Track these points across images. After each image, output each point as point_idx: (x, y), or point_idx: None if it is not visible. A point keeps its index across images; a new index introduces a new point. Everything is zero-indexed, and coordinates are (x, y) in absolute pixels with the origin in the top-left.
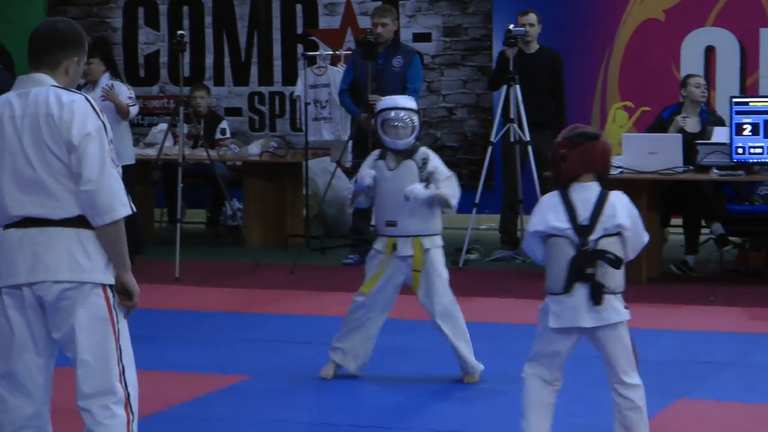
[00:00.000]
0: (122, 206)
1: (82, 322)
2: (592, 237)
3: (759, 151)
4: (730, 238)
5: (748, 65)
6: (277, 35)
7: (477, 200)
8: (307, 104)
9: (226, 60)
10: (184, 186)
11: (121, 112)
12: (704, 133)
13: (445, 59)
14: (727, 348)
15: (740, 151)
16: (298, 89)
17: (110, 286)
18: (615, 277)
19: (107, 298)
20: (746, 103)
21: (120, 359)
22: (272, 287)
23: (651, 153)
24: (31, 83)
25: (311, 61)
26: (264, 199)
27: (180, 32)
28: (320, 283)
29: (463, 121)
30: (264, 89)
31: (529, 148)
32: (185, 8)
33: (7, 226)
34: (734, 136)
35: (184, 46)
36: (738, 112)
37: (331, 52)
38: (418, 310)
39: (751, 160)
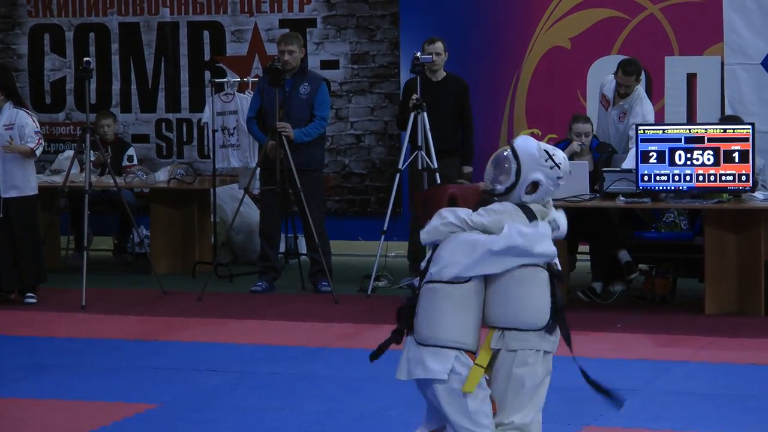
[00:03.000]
0: None
1: None
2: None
3: (665, 178)
4: (639, 265)
5: (653, 93)
6: (184, 62)
7: (385, 227)
8: (214, 131)
9: (133, 87)
10: (91, 213)
11: (26, 155)
12: (597, 172)
13: (352, 86)
14: (634, 375)
15: (646, 178)
16: (206, 116)
17: None
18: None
19: None
20: (652, 131)
21: None
22: (180, 315)
23: None
24: None
25: (218, 88)
26: (171, 226)
27: (86, 59)
28: (228, 311)
29: (371, 147)
30: (171, 116)
31: (437, 175)
32: (91, 34)
33: None
34: (640, 164)
35: (90, 72)
36: (643, 140)
37: (238, 79)
38: None
39: (656, 188)
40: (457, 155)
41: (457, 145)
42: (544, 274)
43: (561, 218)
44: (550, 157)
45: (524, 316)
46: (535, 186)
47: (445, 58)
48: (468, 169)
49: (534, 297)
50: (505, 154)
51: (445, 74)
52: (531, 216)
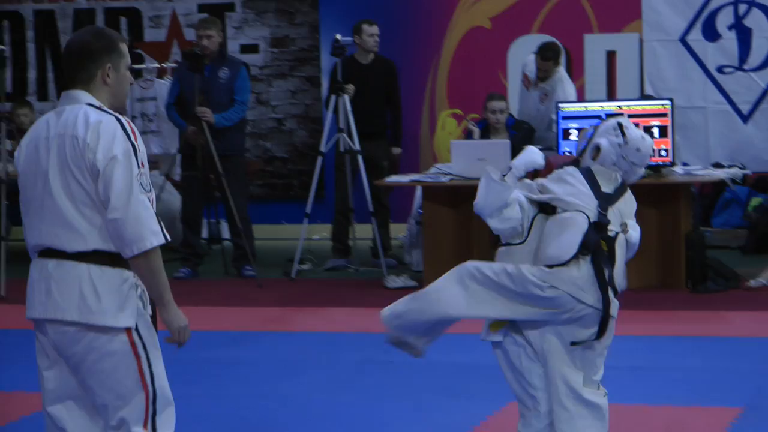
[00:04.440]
0: (152, 235)
1: (101, 366)
2: None
3: None
4: None
5: (573, 71)
6: None
7: (308, 211)
8: (133, 118)
9: (50, 75)
10: (9, 203)
11: None
12: (514, 151)
13: (273, 70)
14: None
15: (567, 155)
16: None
17: (127, 328)
18: None
19: (132, 343)
20: (573, 108)
21: (152, 401)
22: None
23: (480, 159)
24: (67, 100)
25: (137, 75)
26: None
27: (0, 47)
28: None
29: (293, 131)
30: None
31: (359, 157)
32: (5, 22)
33: (36, 254)
34: (561, 141)
35: (5, 60)
36: (565, 117)
37: (157, 65)
38: None
39: None
40: (385, 137)
41: (384, 127)
42: (582, 218)
43: (634, 232)
44: (621, 128)
45: (549, 251)
46: (597, 150)
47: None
48: (397, 150)
49: (564, 236)
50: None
51: (373, 56)
52: (592, 180)
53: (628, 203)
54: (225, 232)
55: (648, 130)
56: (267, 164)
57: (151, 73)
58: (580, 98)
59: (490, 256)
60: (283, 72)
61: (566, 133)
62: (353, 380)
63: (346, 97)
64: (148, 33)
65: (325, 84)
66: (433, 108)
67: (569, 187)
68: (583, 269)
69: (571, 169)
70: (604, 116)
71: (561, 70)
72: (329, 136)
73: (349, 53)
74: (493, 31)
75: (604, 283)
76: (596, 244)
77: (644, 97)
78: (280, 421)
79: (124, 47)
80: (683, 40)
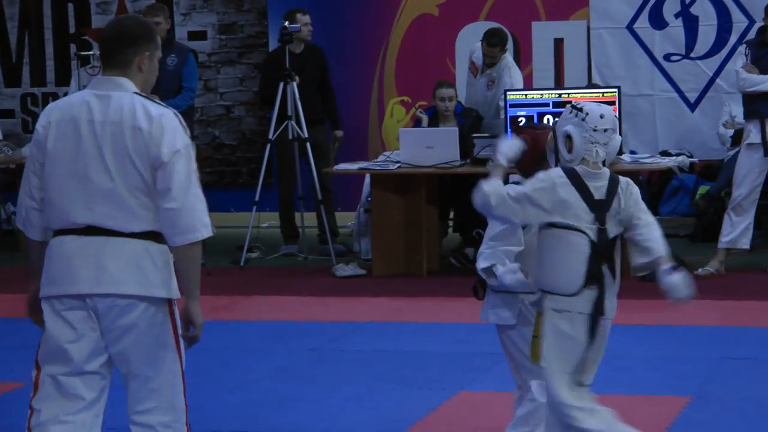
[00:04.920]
0: (203, 227)
1: (145, 337)
2: None
3: None
4: None
5: (521, 59)
6: (48, 35)
7: (257, 198)
8: None
9: None
10: None
11: None
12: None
13: (221, 57)
14: None
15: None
16: (72, 90)
17: (175, 300)
18: None
19: (171, 313)
20: (520, 96)
21: (183, 375)
22: None
23: (428, 147)
24: (110, 86)
25: (85, 61)
26: None
27: None
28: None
29: (241, 118)
30: (37, 90)
31: (307, 144)
32: None
33: (62, 232)
34: (509, 129)
35: None
36: (512, 105)
37: None
38: None
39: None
40: (324, 123)
41: (322, 113)
42: (581, 241)
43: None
44: (575, 108)
45: (551, 282)
46: (569, 138)
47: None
48: (340, 133)
49: (564, 264)
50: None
51: (303, 45)
52: (579, 184)
53: (627, 198)
54: None
55: None
56: (216, 151)
57: (99, 60)
58: (528, 86)
59: (438, 244)
60: (231, 59)
61: (514, 121)
62: (303, 368)
63: (294, 84)
64: (95, 19)
65: None
66: (382, 96)
67: (559, 202)
68: (587, 294)
69: (556, 173)
70: (550, 103)
71: (508, 57)
72: (278, 122)
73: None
74: (441, 18)
75: (601, 300)
76: (600, 274)
77: (592, 85)
78: (228, 409)
79: (159, 39)
80: (630, 28)
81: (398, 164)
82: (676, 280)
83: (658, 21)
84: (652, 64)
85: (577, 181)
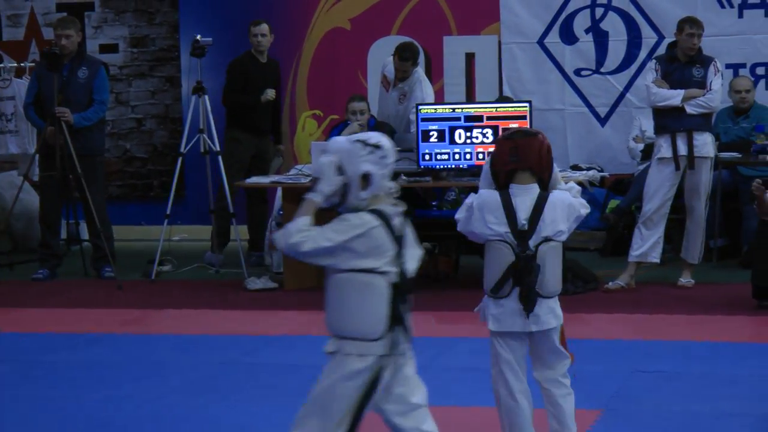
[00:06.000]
0: None
1: None
2: (532, 242)
3: (445, 157)
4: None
5: (433, 73)
6: None
7: (168, 211)
8: None
9: None
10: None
11: None
12: None
13: (132, 70)
14: (419, 352)
15: (427, 157)
16: None
17: None
18: (549, 284)
19: None
20: (431, 110)
21: None
22: None
23: None
24: None
25: None
26: None
27: None
28: (9, 299)
29: (153, 131)
30: None
31: (219, 158)
32: None
33: None
34: (420, 143)
35: None
36: (424, 119)
37: (15, 64)
38: None
39: (437, 166)
40: (269, 134)
41: (269, 125)
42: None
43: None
44: (369, 144)
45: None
46: (366, 178)
47: (271, 39)
48: (283, 147)
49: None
50: (323, 161)
51: (267, 56)
52: (389, 225)
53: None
54: (84, 232)
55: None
56: (126, 164)
57: (10, 72)
58: (439, 100)
59: None
60: (142, 72)
61: (425, 135)
62: (214, 382)
63: (206, 98)
64: (6, 32)
65: (185, 84)
66: (294, 109)
67: (374, 246)
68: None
69: (369, 217)
70: (462, 118)
71: (419, 71)
72: (189, 136)
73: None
74: (353, 32)
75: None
76: (402, 314)
77: (502, 99)
78: (137, 423)
79: None
80: (541, 43)
81: (310, 178)
82: None
83: (568, 36)
84: (562, 78)
85: (387, 222)
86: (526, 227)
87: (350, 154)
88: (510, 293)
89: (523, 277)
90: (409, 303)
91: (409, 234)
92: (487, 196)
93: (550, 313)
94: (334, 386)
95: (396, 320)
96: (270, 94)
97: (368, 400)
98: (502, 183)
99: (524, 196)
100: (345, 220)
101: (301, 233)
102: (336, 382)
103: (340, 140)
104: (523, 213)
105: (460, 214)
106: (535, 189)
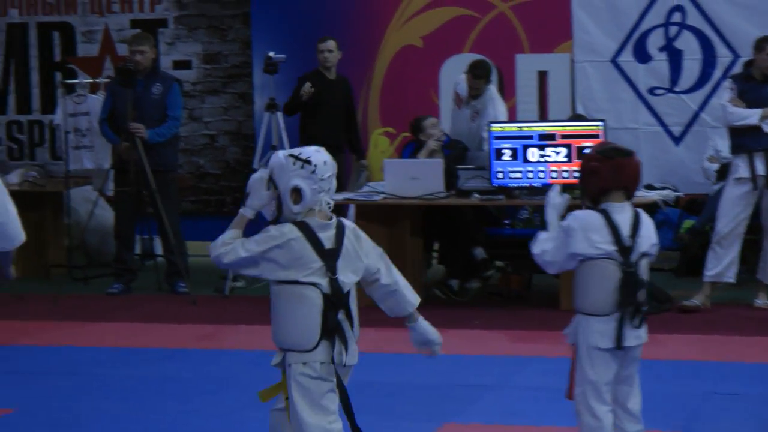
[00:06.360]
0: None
1: None
2: (633, 258)
3: (518, 175)
4: (494, 262)
5: (505, 91)
6: (34, 63)
7: None
8: (66, 133)
9: None
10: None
11: None
12: (449, 169)
13: (205, 86)
14: (491, 371)
15: (500, 175)
16: (57, 118)
17: None
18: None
19: None
20: (505, 129)
21: None
22: (35, 318)
23: (413, 178)
24: None
25: (70, 89)
26: (24, 228)
27: None
28: (84, 313)
29: (225, 147)
30: (22, 118)
31: None
32: None
33: None
34: (493, 161)
35: None
36: (497, 137)
37: (89, 80)
38: None
39: (510, 185)
40: (344, 151)
41: (344, 141)
42: (314, 294)
43: None
44: (300, 159)
45: None
46: (298, 193)
47: (339, 56)
48: (366, 162)
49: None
50: (254, 176)
51: (335, 73)
52: (311, 237)
53: (358, 245)
54: (158, 248)
55: (580, 151)
56: (199, 180)
57: (84, 88)
58: (512, 118)
59: (422, 275)
60: (215, 88)
61: (498, 153)
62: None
63: (279, 114)
64: (80, 48)
65: (257, 101)
66: (366, 126)
67: (294, 258)
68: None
69: (288, 228)
70: (535, 136)
71: (492, 89)
72: (263, 152)
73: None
74: (425, 49)
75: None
76: (336, 324)
77: (575, 117)
78: None
79: None
80: (614, 62)
81: (383, 195)
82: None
83: (642, 55)
84: (636, 97)
85: (309, 234)
86: (629, 244)
87: (282, 169)
88: (617, 310)
89: (631, 293)
90: (352, 314)
91: (353, 246)
92: (587, 216)
93: (643, 328)
94: (299, 401)
95: (330, 331)
96: (306, 88)
97: (349, 404)
98: (595, 200)
99: (622, 214)
100: (265, 231)
101: (225, 245)
102: (296, 396)
103: (276, 155)
104: (625, 230)
105: (545, 245)
106: (628, 206)
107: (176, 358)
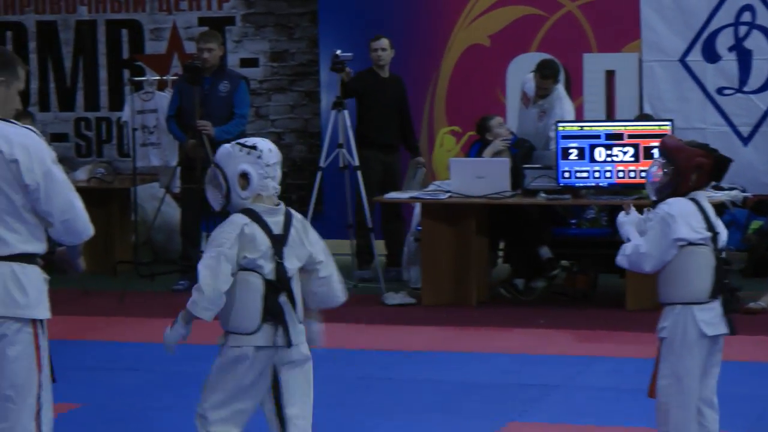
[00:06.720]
0: (90, 227)
1: (7, 356)
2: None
3: (585, 175)
4: (560, 261)
5: (572, 90)
6: (102, 60)
7: None
8: (134, 130)
9: (51, 85)
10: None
11: None
12: (516, 168)
13: (272, 84)
14: (557, 370)
15: (566, 175)
16: (125, 115)
17: (41, 320)
18: None
19: (36, 336)
20: (572, 128)
21: (39, 397)
22: (102, 314)
23: (479, 177)
24: None
25: (137, 87)
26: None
27: None
28: (151, 310)
29: (292, 146)
30: (90, 115)
31: (358, 173)
32: (8, 33)
33: None
34: (560, 161)
35: None
36: (564, 137)
37: (157, 78)
38: None
39: (577, 184)
40: (398, 150)
41: (397, 140)
42: (254, 277)
43: None
44: (246, 146)
45: None
46: (245, 178)
47: (392, 54)
48: (421, 159)
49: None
50: (210, 172)
51: (388, 71)
52: (260, 222)
53: (304, 234)
54: None
55: (648, 151)
56: None
57: (152, 86)
58: (579, 117)
59: (487, 274)
60: (282, 86)
61: (565, 152)
62: (350, 396)
63: (346, 113)
64: (148, 45)
65: (324, 99)
66: (432, 125)
67: (248, 242)
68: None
69: (239, 217)
70: (602, 135)
71: (560, 88)
72: (329, 150)
73: (352, 69)
74: (492, 48)
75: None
76: (278, 308)
77: (643, 117)
78: None
79: (20, 71)
80: (683, 61)
81: (449, 194)
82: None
83: (710, 54)
84: (704, 97)
85: (257, 219)
86: (718, 230)
87: (229, 157)
88: (715, 296)
89: (725, 279)
90: (294, 298)
91: (299, 235)
92: (681, 202)
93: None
94: (219, 371)
95: (272, 315)
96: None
97: (278, 391)
98: (684, 192)
99: (706, 203)
100: (219, 232)
101: (210, 284)
102: (219, 368)
103: (223, 146)
104: (711, 217)
105: (637, 243)
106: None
107: None
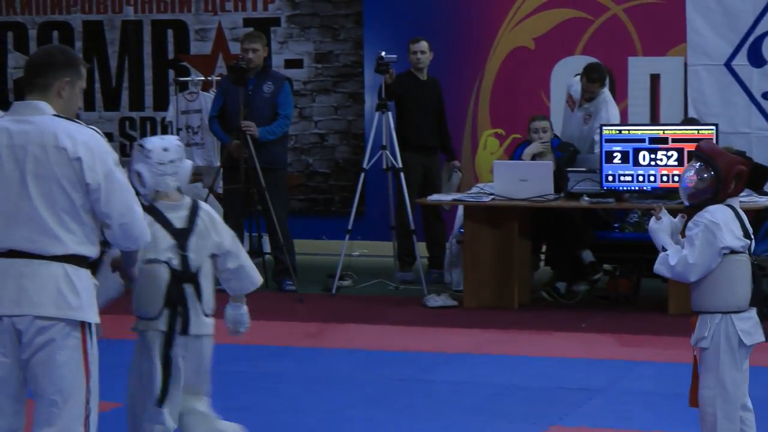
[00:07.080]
0: (146, 233)
1: (56, 358)
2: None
3: (629, 178)
4: (603, 265)
5: (617, 93)
6: (147, 60)
7: (349, 227)
8: (178, 130)
9: (97, 85)
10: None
11: None
12: (559, 171)
13: (316, 85)
14: (599, 374)
15: (610, 178)
16: (170, 115)
17: (89, 324)
18: None
19: (84, 340)
20: (616, 132)
21: (88, 402)
22: None
23: (522, 180)
24: (29, 111)
25: (182, 87)
26: None
27: None
28: None
29: (335, 147)
30: (135, 114)
31: (401, 174)
32: (55, 32)
33: None
34: (604, 164)
35: None
36: (608, 140)
37: (202, 78)
38: None
39: (620, 188)
40: (437, 152)
41: (436, 142)
42: (163, 269)
43: None
44: (139, 145)
45: None
46: (139, 176)
47: (431, 57)
48: (457, 162)
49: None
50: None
51: (427, 74)
52: (160, 218)
53: (210, 225)
54: (266, 245)
55: (692, 155)
56: (308, 179)
57: (196, 86)
58: (624, 121)
59: (529, 277)
60: (326, 87)
61: (609, 156)
62: (391, 398)
63: (390, 114)
64: (193, 46)
65: (368, 100)
66: (475, 127)
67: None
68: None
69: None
70: (647, 139)
71: (605, 92)
72: (372, 152)
73: (396, 70)
74: (537, 51)
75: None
76: (180, 296)
77: (688, 121)
78: None
79: (83, 70)
80: (728, 65)
81: (492, 196)
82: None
83: (756, 59)
84: (749, 101)
85: (157, 216)
86: (752, 237)
87: (132, 157)
88: (752, 305)
89: (761, 286)
90: (201, 289)
91: (206, 226)
92: (723, 210)
93: None
94: (136, 356)
95: (173, 302)
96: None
97: (170, 371)
98: (722, 198)
99: (740, 210)
100: None
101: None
102: (136, 353)
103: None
104: (747, 224)
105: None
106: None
107: (283, 356)
